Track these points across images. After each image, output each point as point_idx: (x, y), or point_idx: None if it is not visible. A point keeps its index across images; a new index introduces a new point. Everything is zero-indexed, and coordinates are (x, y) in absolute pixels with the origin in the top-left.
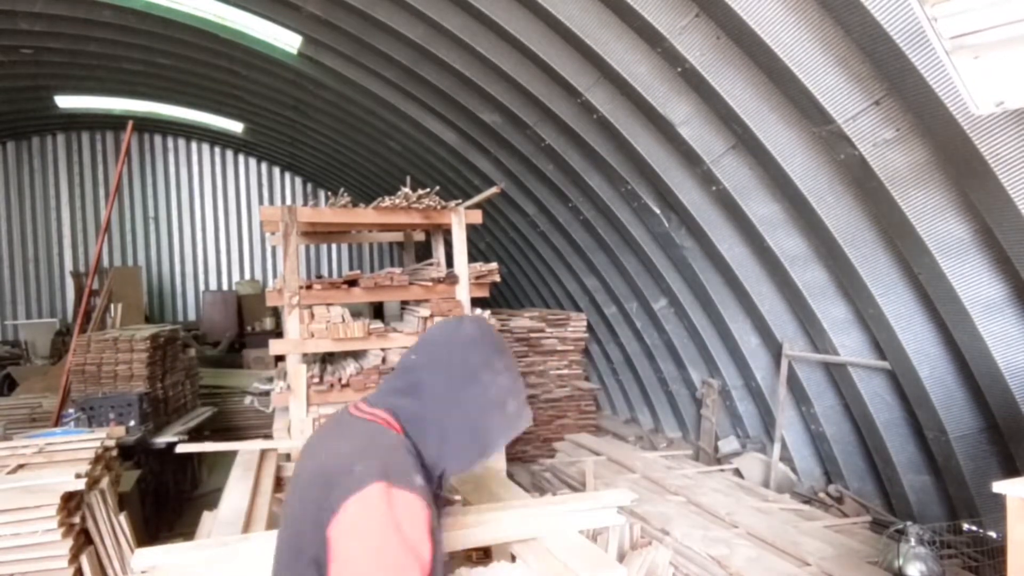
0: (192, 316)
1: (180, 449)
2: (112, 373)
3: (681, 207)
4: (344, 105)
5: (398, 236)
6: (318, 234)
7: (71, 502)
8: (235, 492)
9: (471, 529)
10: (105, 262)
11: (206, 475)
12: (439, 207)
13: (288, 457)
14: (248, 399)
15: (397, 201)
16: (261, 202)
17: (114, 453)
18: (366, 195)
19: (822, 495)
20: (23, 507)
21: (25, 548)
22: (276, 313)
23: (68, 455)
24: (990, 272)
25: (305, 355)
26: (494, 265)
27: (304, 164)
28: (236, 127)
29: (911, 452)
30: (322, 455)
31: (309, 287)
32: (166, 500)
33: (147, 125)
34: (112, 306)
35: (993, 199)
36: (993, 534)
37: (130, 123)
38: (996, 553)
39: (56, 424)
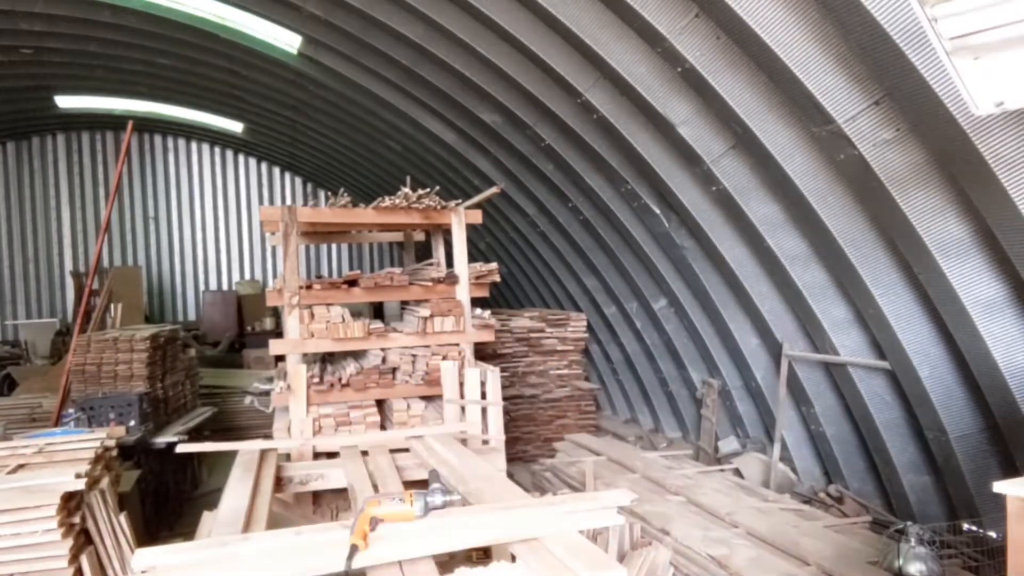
0: (192, 316)
1: (180, 449)
2: (112, 373)
3: (681, 207)
4: (344, 105)
5: (398, 236)
6: (318, 234)
7: (71, 502)
8: (235, 492)
9: (471, 529)
10: (105, 262)
11: (206, 475)
12: (439, 207)
13: (288, 457)
14: (248, 399)
15: (397, 201)
16: (261, 202)
17: (114, 453)
18: (366, 195)
19: (822, 495)
20: (23, 507)
21: (25, 548)
22: (276, 313)
23: (68, 455)
24: (990, 272)
25: (305, 355)
26: (494, 265)
27: (304, 164)
28: (236, 127)
29: (911, 452)
30: None
31: (309, 287)
32: (166, 500)
33: (147, 125)
34: (112, 306)
35: (993, 199)
36: (993, 534)
37: (130, 123)
38: (996, 553)
39: (56, 424)
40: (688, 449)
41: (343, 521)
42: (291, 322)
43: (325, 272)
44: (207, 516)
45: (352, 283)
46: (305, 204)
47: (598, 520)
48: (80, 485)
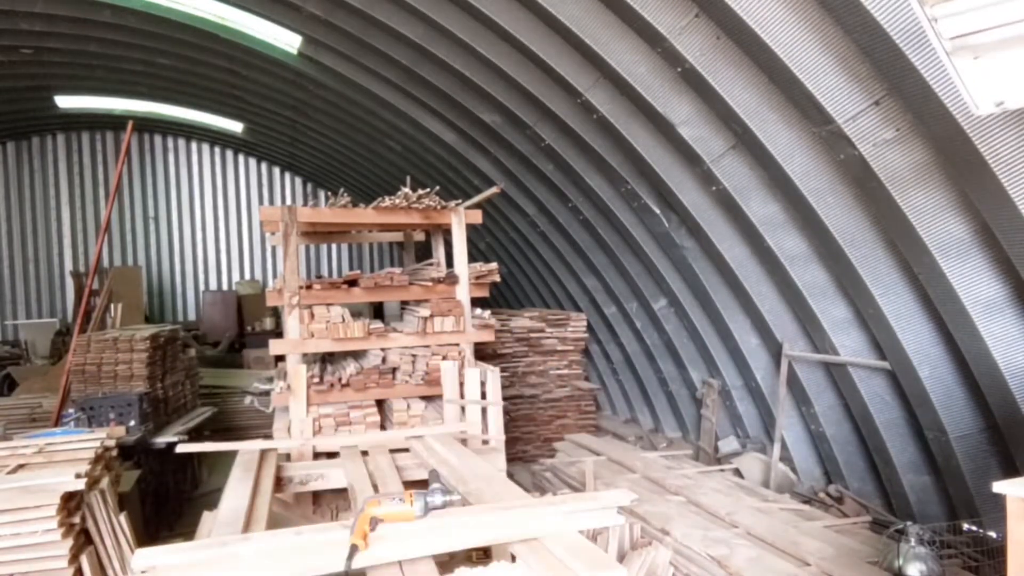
0: (192, 316)
1: (180, 449)
2: (112, 373)
3: (681, 207)
4: (344, 105)
5: (398, 236)
6: (318, 234)
7: (71, 502)
8: (235, 492)
9: (471, 529)
10: (105, 262)
11: (206, 475)
12: (439, 207)
13: (288, 457)
14: (248, 399)
15: (397, 201)
16: (261, 202)
17: (114, 453)
18: (366, 195)
19: (822, 495)
20: (23, 507)
21: (25, 548)
22: (276, 313)
23: (68, 455)
24: (990, 272)
25: (305, 355)
26: (494, 265)
27: (304, 164)
28: (236, 127)
29: (911, 452)
30: None
31: (309, 287)
32: (166, 500)
33: (147, 125)
34: (112, 306)
35: (993, 199)
36: (993, 534)
37: (130, 123)
38: (996, 553)
39: (56, 424)
40: (688, 449)
41: (343, 521)
42: (291, 322)
43: (325, 272)
44: (207, 516)
45: (352, 283)
46: (305, 204)
47: (598, 520)
48: (80, 485)
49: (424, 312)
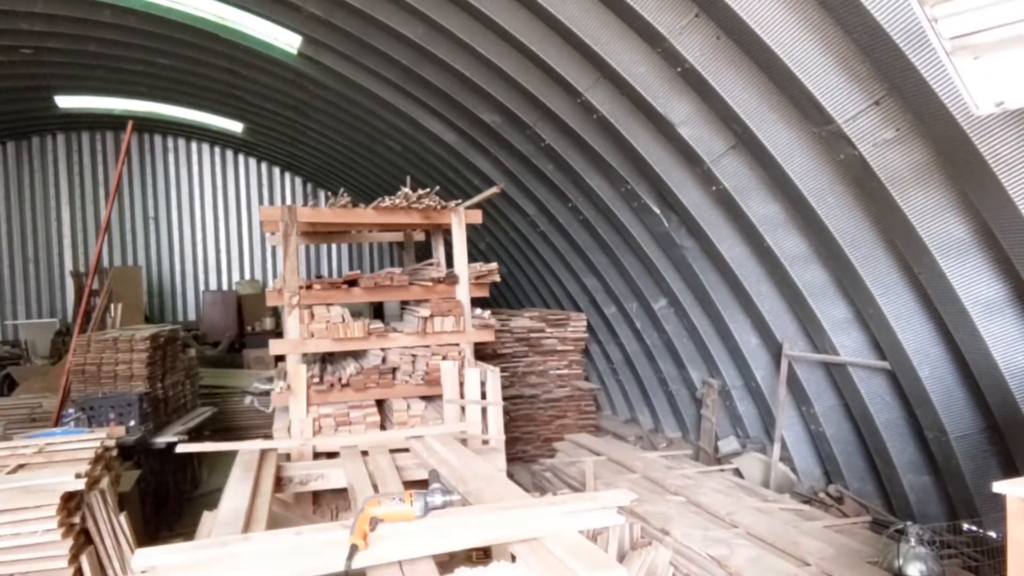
0: (192, 316)
1: (180, 449)
2: (112, 373)
3: (681, 207)
4: (344, 105)
5: (398, 236)
6: (318, 234)
7: (71, 502)
8: (235, 492)
9: (471, 529)
10: (105, 262)
11: (206, 475)
12: (439, 207)
13: (288, 457)
14: (248, 399)
15: (397, 201)
16: (261, 202)
17: (114, 453)
18: (366, 195)
19: (822, 495)
20: (23, 507)
21: (25, 548)
22: (276, 313)
23: (68, 455)
24: (990, 272)
25: (305, 355)
26: (494, 265)
27: (304, 164)
28: (236, 127)
29: (911, 452)
30: None
31: (309, 287)
32: (166, 500)
33: (147, 125)
34: (112, 306)
35: (993, 199)
36: (993, 534)
37: (130, 123)
38: (996, 553)
39: (56, 424)
40: (688, 449)
41: (343, 521)
42: (291, 322)
43: (325, 272)
44: (207, 516)
45: (352, 283)
46: (305, 204)
47: (598, 520)
48: (80, 485)
49: (424, 312)
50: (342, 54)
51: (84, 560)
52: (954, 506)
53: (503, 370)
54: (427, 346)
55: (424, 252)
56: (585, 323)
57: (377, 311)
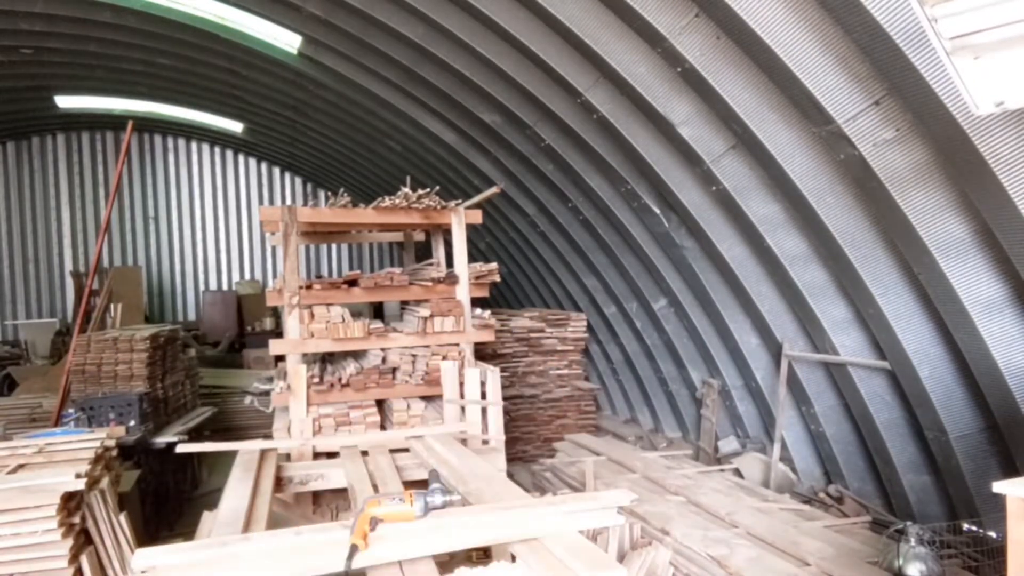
0: (192, 316)
1: (180, 449)
2: (112, 373)
3: (681, 207)
4: (344, 105)
5: (398, 236)
6: (318, 234)
7: (71, 502)
8: (235, 492)
9: (471, 529)
10: (105, 262)
11: (206, 475)
12: (439, 207)
13: (288, 457)
14: (248, 399)
15: (397, 201)
16: (261, 202)
17: (114, 453)
18: (366, 195)
19: (822, 495)
20: (23, 507)
21: (25, 548)
22: (276, 313)
23: (68, 455)
24: (990, 272)
25: (305, 355)
26: (494, 265)
27: (304, 164)
28: (236, 127)
29: (911, 452)
30: None
31: (309, 287)
32: (166, 500)
33: (147, 125)
34: (112, 306)
35: (993, 199)
36: (993, 534)
37: (130, 123)
38: (996, 553)
39: (56, 424)
40: (688, 449)
41: (343, 521)
42: (291, 322)
43: (325, 272)
44: (207, 516)
45: (352, 283)
46: (305, 204)
47: (598, 520)
48: (80, 485)
49: (424, 312)
50: (342, 54)
51: (84, 560)
52: (954, 506)
53: (503, 370)
54: (427, 346)
55: (424, 252)
56: (585, 323)
57: (377, 311)
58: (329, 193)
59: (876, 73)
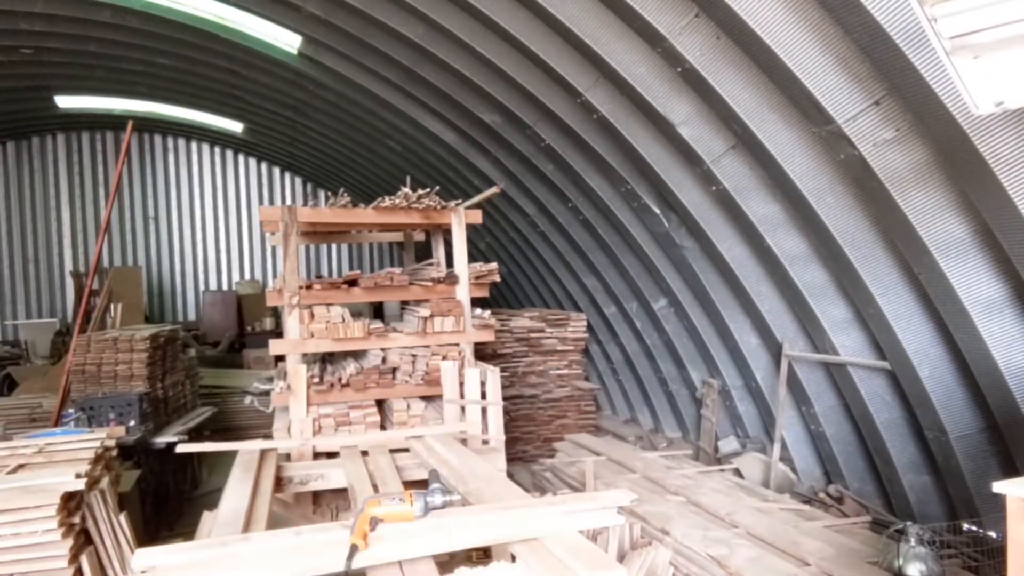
0: (192, 316)
1: (180, 449)
2: (112, 373)
3: (681, 207)
4: (344, 105)
5: (398, 236)
6: (318, 234)
7: (71, 502)
8: (235, 492)
9: (471, 529)
10: (105, 262)
11: (206, 475)
12: (439, 207)
13: (288, 457)
14: (248, 399)
15: (397, 201)
16: (261, 202)
17: (114, 453)
18: (366, 195)
19: (822, 495)
20: (23, 507)
21: (25, 548)
22: (276, 313)
23: (68, 455)
24: (990, 272)
25: (305, 355)
26: (494, 265)
27: (304, 164)
28: (236, 127)
29: (911, 452)
30: None
31: (309, 287)
32: (166, 500)
33: (147, 125)
34: (112, 306)
35: (993, 199)
36: (993, 534)
37: (130, 123)
38: (996, 553)
39: (56, 424)
40: (688, 449)
41: (343, 521)
42: (291, 322)
43: (325, 272)
44: (207, 516)
45: (352, 283)
46: (305, 204)
47: (598, 520)
48: (80, 485)
49: (424, 312)
50: (342, 54)
51: (84, 560)
52: (954, 506)
53: (503, 370)
54: (427, 346)
55: (424, 252)
56: (585, 323)
57: (377, 311)
58: (329, 193)
59: (876, 73)
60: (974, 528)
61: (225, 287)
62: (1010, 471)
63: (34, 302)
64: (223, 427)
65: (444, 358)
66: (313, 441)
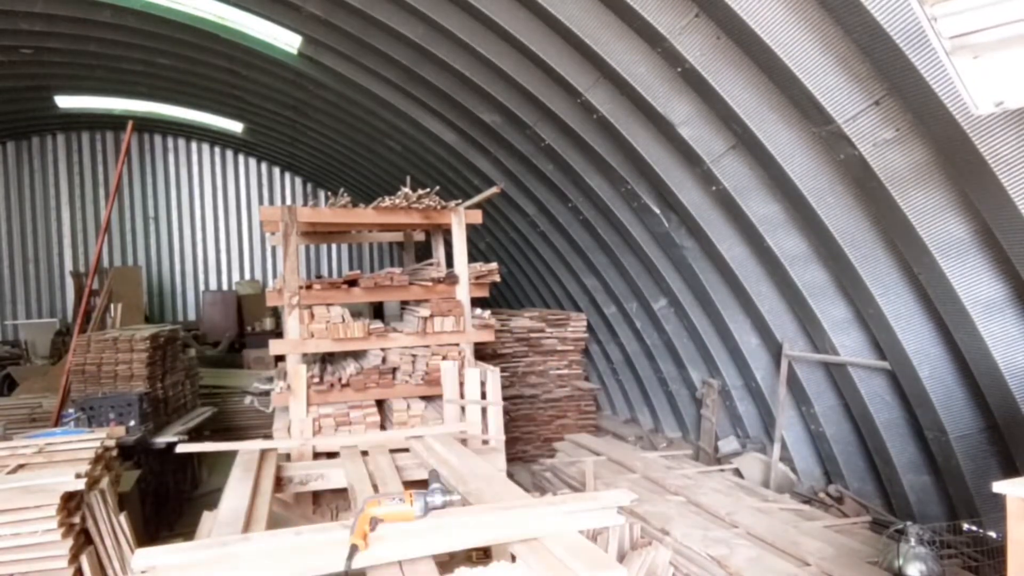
0: (192, 316)
1: (180, 449)
2: (112, 373)
3: (681, 207)
4: (344, 105)
5: (398, 236)
6: (318, 234)
7: (71, 502)
8: (235, 492)
9: (471, 529)
10: (105, 262)
11: (206, 475)
12: (439, 207)
13: (288, 457)
14: (248, 399)
15: (397, 201)
16: (261, 202)
17: (114, 453)
18: (366, 195)
19: (822, 495)
20: (23, 507)
21: (25, 548)
22: (276, 313)
23: (68, 455)
24: (990, 272)
25: (305, 355)
26: (494, 265)
27: (304, 164)
28: (236, 127)
29: (911, 452)
30: None
31: (309, 287)
32: (166, 500)
33: (147, 125)
34: (112, 306)
35: (993, 199)
36: (993, 534)
37: (130, 123)
38: (996, 553)
39: (56, 424)
40: (688, 449)
41: (343, 521)
42: (291, 322)
43: (325, 272)
44: (207, 516)
45: (352, 283)
46: (305, 204)
47: (598, 520)
48: (80, 485)
49: (424, 312)
50: (342, 54)
51: (84, 560)
52: (954, 506)
53: (503, 370)
54: (427, 346)
55: (424, 252)
56: (585, 323)
57: (377, 311)
58: (329, 193)
59: (876, 73)
60: (974, 528)
61: (225, 287)
62: (1010, 471)
63: (34, 302)
64: (223, 427)
65: (444, 358)
66: (313, 441)
